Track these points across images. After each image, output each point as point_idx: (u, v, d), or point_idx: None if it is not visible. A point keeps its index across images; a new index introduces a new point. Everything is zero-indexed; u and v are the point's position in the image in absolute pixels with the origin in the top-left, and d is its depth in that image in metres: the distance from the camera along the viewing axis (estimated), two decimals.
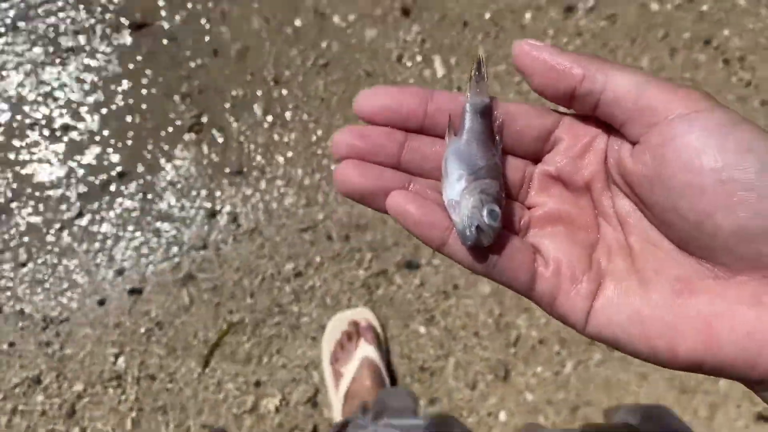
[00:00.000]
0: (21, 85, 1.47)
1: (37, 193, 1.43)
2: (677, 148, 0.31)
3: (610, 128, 0.35)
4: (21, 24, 1.48)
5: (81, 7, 1.50)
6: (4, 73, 1.47)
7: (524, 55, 0.35)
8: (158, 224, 1.43)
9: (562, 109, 0.37)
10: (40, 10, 1.49)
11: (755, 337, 0.30)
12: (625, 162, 0.34)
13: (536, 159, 0.38)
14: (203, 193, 1.44)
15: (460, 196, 0.35)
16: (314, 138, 1.47)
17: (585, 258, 0.35)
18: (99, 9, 1.50)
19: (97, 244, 1.42)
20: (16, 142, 1.44)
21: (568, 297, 0.34)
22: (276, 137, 1.47)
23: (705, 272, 0.32)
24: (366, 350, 1.33)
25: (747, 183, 0.29)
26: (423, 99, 0.36)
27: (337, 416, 1.33)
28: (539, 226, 0.37)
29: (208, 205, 1.44)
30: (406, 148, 0.36)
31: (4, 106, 1.46)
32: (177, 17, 1.51)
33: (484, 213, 0.34)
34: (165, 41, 1.50)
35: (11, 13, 1.49)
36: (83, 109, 1.46)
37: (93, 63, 1.48)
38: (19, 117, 1.45)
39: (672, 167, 0.31)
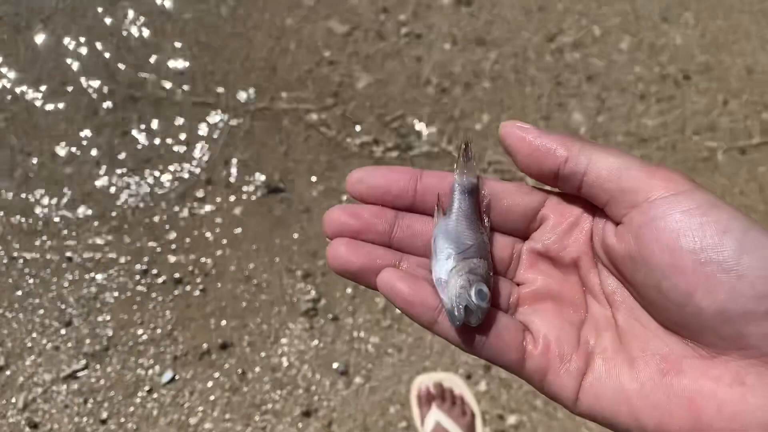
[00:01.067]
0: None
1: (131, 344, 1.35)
2: (658, 229, 0.32)
3: (595, 207, 0.36)
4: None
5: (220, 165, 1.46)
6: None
7: (510, 135, 0.36)
8: (245, 410, 1.33)
9: (548, 187, 0.38)
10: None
11: (740, 417, 0.30)
12: (609, 241, 0.35)
13: (524, 236, 0.39)
14: (301, 387, 1.35)
15: (448, 275, 0.35)
16: (428, 352, 1.38)
17: (573, 335, 0.36)
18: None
19: (181, 417, 1.32)
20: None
21: (558, 376, 0.34)
22: (389, 338, 1.38)
23: (690, 351, 0.32)
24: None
25: (725, 264, 0.30)
26: (412, 178, 0.37)
27: None
28: (528, 303, 0.38)
29: (305, 402, 1.34)
30: (397, 226, 0.37)
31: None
32: (314, 191, 1.45)
33: (473, 293, 0.34)
34: (300, 209, 1.45)
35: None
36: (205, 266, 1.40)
37: (218, 219, 1.43)
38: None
39: (653, 248, 0.32)
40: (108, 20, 1.51)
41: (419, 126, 1.47)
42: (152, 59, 1.48)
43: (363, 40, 1.52)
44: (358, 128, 1.46)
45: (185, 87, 1.47)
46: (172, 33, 1.50)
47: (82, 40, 1.48)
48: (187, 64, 1.49)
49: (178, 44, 1.49)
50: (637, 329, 0.35)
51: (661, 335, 0.34)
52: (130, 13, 1.51)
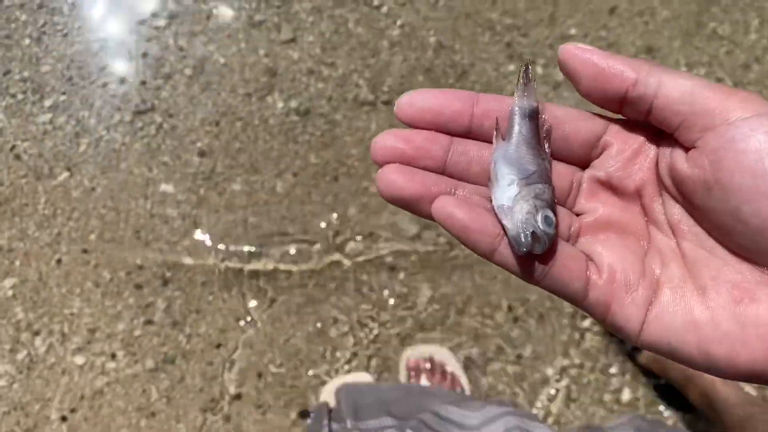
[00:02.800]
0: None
1: None
2: (737, 151, 0.30)
3: (661, 133, 0.34)
4: None
5: None
6: None
7: (572, 58, 0.34)
8: None
9: (609, 114, 0.36)
10: None
11: None
12: (679, 167, 0.33)
13: (584, 164, 0.37)
14: None
15: (512, 201, 0.34)
16: None
17: (638, 265, 0.34)
18: None
19: None
20: None
21: (623, 305, 0.33)
22: None
23: (765, 278, 0.31)
24: None
25: None
26: (468, 101, 0.35)
27: None
28: (590, 233, 0.36)
29: None
30: (452, 152, 0.35)
31: None
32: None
33: (539, 219, 0.33)
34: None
35: None
36: None
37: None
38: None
39: (732, 171, 0.30)
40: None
41: None
42: (188, 239, 1.48)
43: None
44: None
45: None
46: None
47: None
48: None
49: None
50: (706, 258, 0.33)
51: (732, 263, 0.32)
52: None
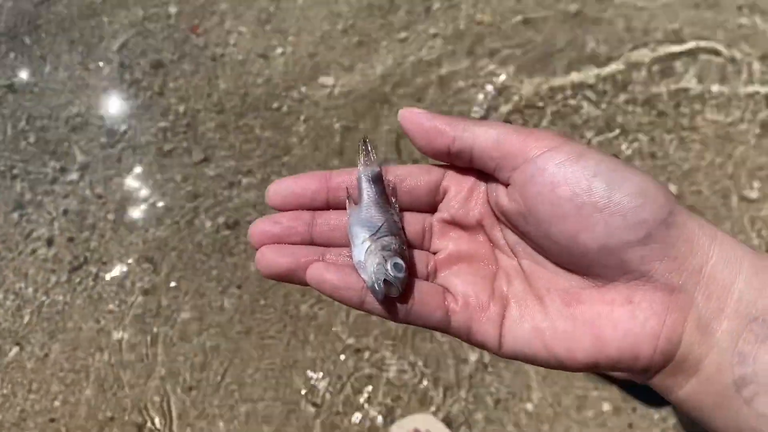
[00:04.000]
0: None
1: None
2: (537, 184, 0.36)
3: (487, 174, 0.40)
4: None
5: None
6: None
7: (405, 120, 0.40)
8: None
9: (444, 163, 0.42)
10: None
11: (632, 332, 0.35)
12: (502, 202, 0.39)
13: (432, 210, 0.43)
14: None
15: (365, 256, 0.39)
16: None
17: (488, 287, 0.40)
18: None
19: None
20: None
21: (481, 324, 0.38)
22: None
23: (586, 283, 0.37)
24: None
25: (598, 204, 0.34)
26: (323, 180, 0.42)
27: None
28: (445, 267, 0.42)
29: None
30: (316, 225, 0.41)
31: None
32: None
33: (388, 267, 0.37)
34: None
35: None
36: None
37: None
38: None
39: (536, 201, 0.36)
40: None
41: None
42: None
43: None
44: None
45: None
46: None
47: None
48: None
49: None
50: (540, 272, 0.39)
51: (561, 274, 0.38)
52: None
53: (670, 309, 0.35)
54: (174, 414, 1.36)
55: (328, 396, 1.36)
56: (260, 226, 0.41)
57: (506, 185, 0.39)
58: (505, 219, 0.40)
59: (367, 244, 0.39)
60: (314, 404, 1.36)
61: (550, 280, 0.39)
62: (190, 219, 1.45)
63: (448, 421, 1.36)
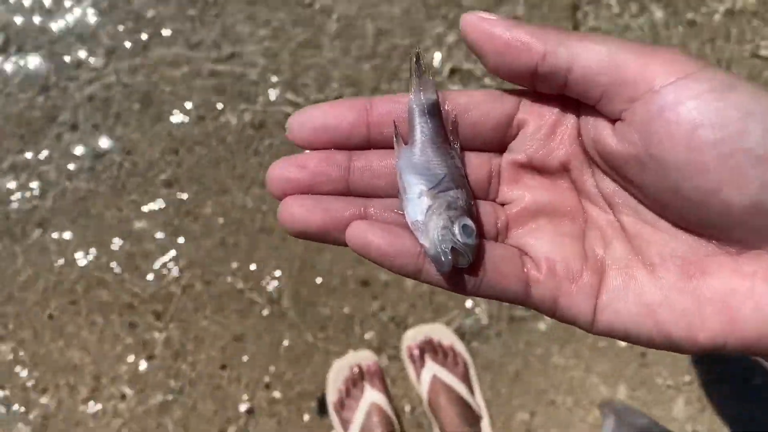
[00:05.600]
0: None
1: None
2: (668, 123, 0.28)
3: (579, 102, 0.32)
4: None
5: None
6: None
7: (474, 30, 0.31)
8: None
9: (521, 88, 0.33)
10: None
11: None
12: (607, 141, 0.30)
13: (500, 149, 0.34)
14: None
15: (425, 216, 0.31)
16: None
17: (579, 249, 0.32)
18: None
19: None
20: None
21: (571, 297, 0.31)
22: None
23: (714, 249, 0.30)
24: (372, 396, 1.29)
25: (753, 153, 0.27)
26: (362, 110, 0.33)
27: None
28: (520, 224, 0.34)
29: None
30: (353, 169, 0.33)
31: None
32: None
33: (457, 232, 0.30)
34: None
35: None
36: None
37: None
38: None
39: (665, 145, 0.28)
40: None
41: None
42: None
43: None
44: None
45: None
46: None
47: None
48: None
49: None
50: (649, 232, 0.31)
51: (677, 236, 0.31)
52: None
53: None
54: (190, 308, 1.38)
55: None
56: (282, 170, 0.32)
57: (614, 120, 0.30)
58: (606, 164, 0.32)
59: (426, 200, 0.32)
60: (329, 307, 1.38)
61: (662, 244, 0.31)
62: (215, 115, 1.43)
63: (460, 334, 1.37)
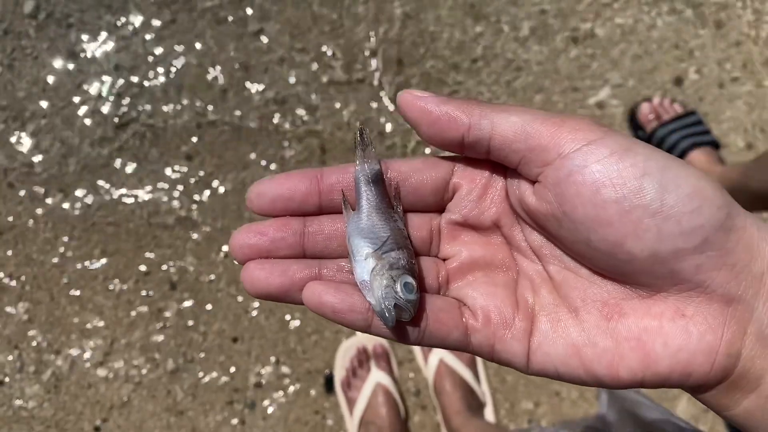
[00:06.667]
0: None
1: None
2: (576, 183, 0.31)
3: (506, 167, 0.35)
4: None
5: None
6: None
7: (409, 106, 0.34)
8: None
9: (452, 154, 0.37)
10: None
11: (686, 348, 0.31)
12: (528, 201, 0.34)
13: (439, 210, 0.38)
14: None
15: (370, 275, 0.34)
16: None
17: (511, 298, 0.35)
18: None
19: None
20: None
21: (505, 342, 0.34)
22: None
23: (628, 293, 0.33)
24: (378, 376, 1.32)
25: (650, 208, 0.30)
26: (313, 180, 0.36)
27: None
28: (458, 277, 0.37)
29: None
30: (307, 234, 0.35)
31: None
32: None
33: (399, 289, 0.33)
34: None
35: None
36: None
37: None
38: None
39: (574, 203, 0.31)
40: None
41: None
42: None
43: None
44: None
45: None
46: None
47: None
48: None
49: None
50: (572, 279, 0.35)
51: (597, 282, 0.34)
52: None
53: (728, 322, 0.31)
54: (204, 279, 1.40)
55: None
56: (243, 238, 0.35)
57: (533, 182, 0.34)
58: (530, 219, 0.35)
59: (372, 261, 0.34)
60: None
61: (585, 290, 0.34)
62: (238, 89, 1.44)
63: None
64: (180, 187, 1.42)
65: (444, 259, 0.38)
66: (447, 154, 0.37)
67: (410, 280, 0.34)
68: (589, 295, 0.34)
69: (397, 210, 0.36)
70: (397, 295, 0.33)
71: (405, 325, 0.34)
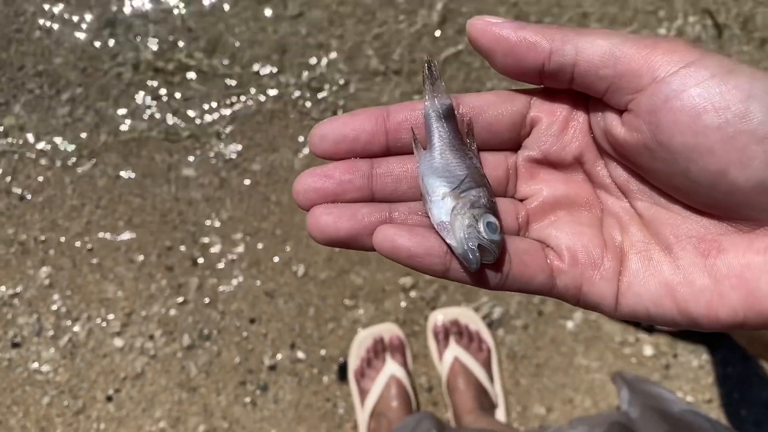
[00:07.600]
0: None
1: None
2: (673, 110, 0.29)
3: (588, 96, 0.33)
4: None
5: None
6: None
7: (481, 33, 0.32)
8: None
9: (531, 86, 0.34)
10: None
11: None
12: (616, 132, 0.32)
13: (515, 147, 0.36)
14: None
15: (450, 216, 0.32)
16: None
17: (598, 237, 0.33)
18: None
19: None
20: None
21: (593, 283, 0.32)
22: None
23: (726, 228, 0.31)
24: (393, 368, 1.31)
25: (756, 133, 0.27)
26: (379, 118, 0.34)
27: None
28: (539, 217, 0.35)
29: None
30: (375, 176, 0.34)
31: None
32: None
33: (482, 229, 0.31)
34: None
35: None
36: None
37: None
38: None
39: (672, 132, 0.29)
40: None
41: None
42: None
43: None
44: None
45: None
46: None
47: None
48: None
49: None
50: (663, 215, 0.33)
51: (691, 217, 0.32)
52: None
53: None
54: (226, 259, 1.40)
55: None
56: (308, 182, 0.33)
57: (622, 111, 0.31)
58: (617, 153, 0.33)
59: (450, 200, 0.33)
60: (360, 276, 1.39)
61: (678, 226, 0.32)
62: (273, 73, 1.44)
63: (487, 321, 1.38)
64: (208, 166, 1.42)
65: (522, 200, 0.36)
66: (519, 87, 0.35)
67: (493, 219, 0.32)
68: (683, 231, 0.32)
69: (472, 148, 0.34)
70: (480, 235, 0.31)
71: (487, 268, 0.32)
